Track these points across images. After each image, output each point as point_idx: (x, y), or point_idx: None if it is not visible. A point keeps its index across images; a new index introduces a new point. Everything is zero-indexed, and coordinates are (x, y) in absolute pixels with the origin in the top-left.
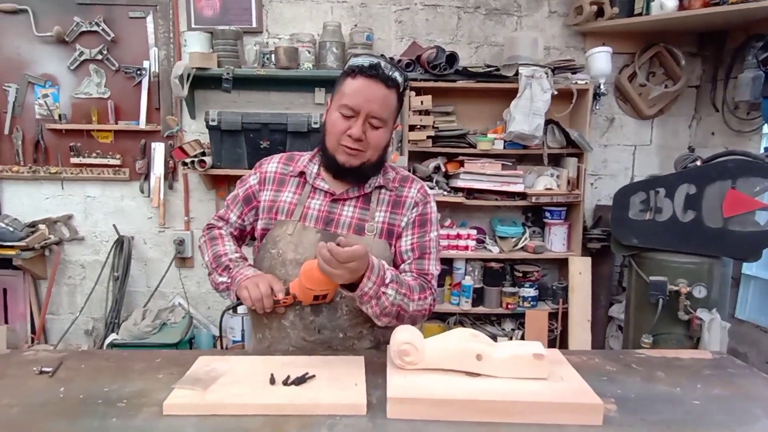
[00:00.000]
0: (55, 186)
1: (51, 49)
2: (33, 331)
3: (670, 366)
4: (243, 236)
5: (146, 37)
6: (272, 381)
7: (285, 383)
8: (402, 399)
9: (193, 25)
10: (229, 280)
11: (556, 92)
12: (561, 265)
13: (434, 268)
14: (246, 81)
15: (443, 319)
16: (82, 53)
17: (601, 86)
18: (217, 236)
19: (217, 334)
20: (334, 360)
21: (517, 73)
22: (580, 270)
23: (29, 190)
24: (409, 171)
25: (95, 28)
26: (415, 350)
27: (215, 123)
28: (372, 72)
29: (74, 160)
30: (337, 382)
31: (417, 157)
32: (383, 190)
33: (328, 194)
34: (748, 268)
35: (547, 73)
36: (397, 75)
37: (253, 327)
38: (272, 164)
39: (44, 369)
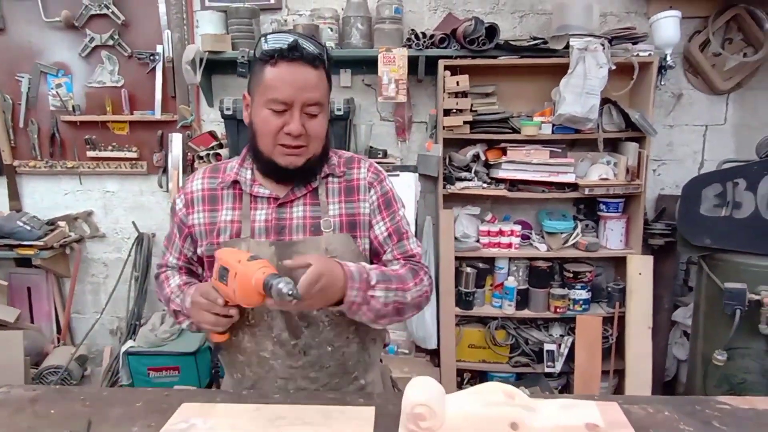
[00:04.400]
0: (73, 181)
1: (61, 36)
2: (59, 331)
3: (762, 425)
4: (194, 273)
5: (158, 19)
6: None
7: None
8: None
9: (207, 4)
10: (182, 310)
11: (613, 66)
12: (617, 263)
13: (416, 246)
14: None
15: (484, 323)
16: (92, 39)
17: (668, 58)
18: (163, 279)
19: None
20: (337, 413)
21: (567, 46)
22: (640, 270)
23: (48, 186)
24: (445, 160)
25: (104, 10)
26: (432, 414)
27: (230, 112)
28: (295, 54)
29: (90, 153)
30: None
31: (453, 144)
32: (331, 179)
33: (271, 200)
34: None
35: (603, 45)
36: (317, 50)
37: (227, 367)
38: (196, 182)
39: None
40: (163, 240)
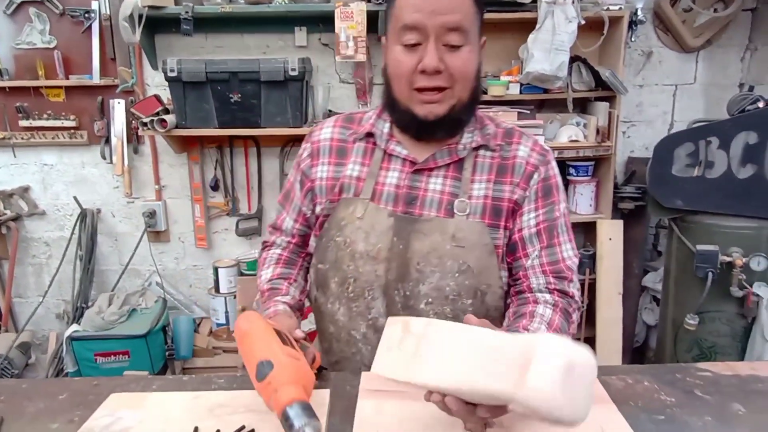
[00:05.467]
0: (6, 154)
1: None
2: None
3: (748, 392)
4: (306, 245)
5: None
6: None
7: None
8: None
9: None
10: None
11: (583, 21)
12: (587, 229)
13: (570, 254)
14: (213, 22)
15: None
16: None
17: (639, 12)
18: (261, 263)
19: (201, 315)
20: None
21: (535, 0)
22: (611, 235)
23: None
24: None
25: None
26: None
27: (175, 74)
28: None
29: (23, 122)
30: None
31: None
32: (483, 151)
33: (407, 163)
34: None
35: None
36: None
37: (318, 334)
38: (326, 129)
39: None
40: (279, 197)
